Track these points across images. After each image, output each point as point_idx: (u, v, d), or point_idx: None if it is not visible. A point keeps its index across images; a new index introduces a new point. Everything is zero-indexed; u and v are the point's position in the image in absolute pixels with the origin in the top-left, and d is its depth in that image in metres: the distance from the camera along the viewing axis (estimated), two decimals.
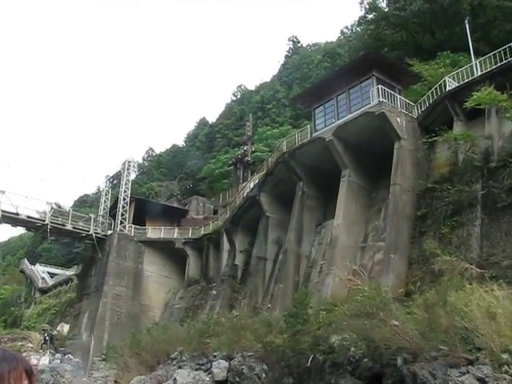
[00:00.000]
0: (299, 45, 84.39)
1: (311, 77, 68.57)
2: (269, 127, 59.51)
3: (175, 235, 39.64)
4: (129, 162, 41.51)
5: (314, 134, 30.66)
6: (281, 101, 64.39)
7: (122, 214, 40.15)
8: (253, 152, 47.28)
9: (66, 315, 53.67)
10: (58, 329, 44.11)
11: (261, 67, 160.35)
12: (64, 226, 38.56)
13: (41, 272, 70.57)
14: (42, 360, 29.67)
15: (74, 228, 38.95)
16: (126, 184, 40.82)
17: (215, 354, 24.28)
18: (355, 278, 24.80)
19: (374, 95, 27.88)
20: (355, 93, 30.07)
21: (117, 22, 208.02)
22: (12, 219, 37.21)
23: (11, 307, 65.91)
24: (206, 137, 77.52)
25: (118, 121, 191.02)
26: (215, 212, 44.54)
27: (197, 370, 23.79)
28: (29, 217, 37.62)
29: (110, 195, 43.63)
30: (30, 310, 64.19)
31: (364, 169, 28.70)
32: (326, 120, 31.27)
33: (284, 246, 31.34)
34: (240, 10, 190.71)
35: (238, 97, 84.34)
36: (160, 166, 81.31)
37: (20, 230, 68.67)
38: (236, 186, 44.73)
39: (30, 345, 45.54)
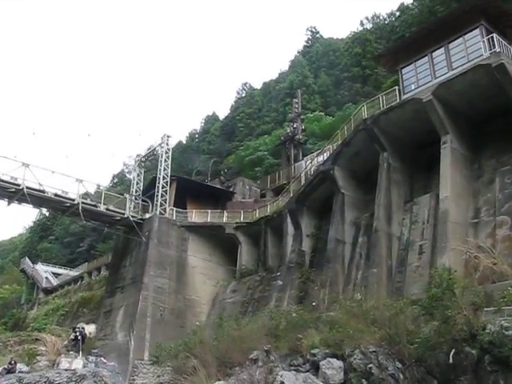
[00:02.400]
0: (318, 35, 79.96)
1: (340, 64, 64.28)
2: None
3: (224, 219, 34.22)
4: (168, 136, 36.12)
5: (404, 97, 26.23)
6: (311, 87, 59.66)
7: (162, 195, 34.69)
8: (303, 130, 42.21)
9: (78, 315, 48.46)
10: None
11: (272, 59, 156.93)
12: (96, 207, 32.97)
13: (43, 272, 64.64)
14: (74, 364, 23.75)
15: (107, 210, 33.35)
16: (165, 161, 35.39)
17: (314, 351, 19.26)
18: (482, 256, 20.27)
19: (485, 47, 23.58)
20: (456, 47, 25.92)
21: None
22: (36, 198, 31.58)
23: (11, 309, 59.75)
24: (220, 130, 72.89)
25: (119, 119, 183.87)
26: (262, 196, 39.24)
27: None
28: (56, 195, 32.02)
29: (142, 176, 38.12)
30: (34, 312, 58.34)
31: (464, 136, 24.53)
32: (418, 80, 27.08)
33: (374, 224, 26.43)
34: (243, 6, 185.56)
35: (247, 89, 79.81)
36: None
37: (12, 232, 62.72)
38: (286, 167, 39.60)
39: (44, 348, 39.75)
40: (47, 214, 79.98)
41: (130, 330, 30.77)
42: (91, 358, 27.21)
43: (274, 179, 39.88)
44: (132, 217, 33.81)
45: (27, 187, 30.73)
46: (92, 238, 74.39)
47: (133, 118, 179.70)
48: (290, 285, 29.38)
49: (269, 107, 65.33)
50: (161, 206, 34.43)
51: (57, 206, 32.73)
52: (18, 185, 30.73)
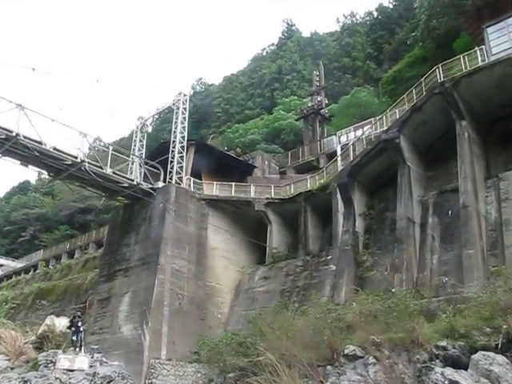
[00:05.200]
0: (294, 28, 76.25)
1: (328, 53, 60.75)
2: (295, 97, 50.51)
3: (252, 194, 28.90)
4: (184, 94, 30.45)
5: (492, 58, 22.81)
6: (301, 73, 55.59)
7: (178, 162, 28.92)
8: (327, 104, 37.66)
9: (36, 308, 41.91)
10: (47, 323, 31.19)
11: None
12: (102, 168, 26.78)
13: None
14: (77, 362, 17.52)
15: (114, 174, 27.19)
16: (182, 123, 29.69)
17: (441, 343, 14.82)
18: None
19: None
20: None
21: None
22: (30, 151, 25.05)
23: None
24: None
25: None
26: (282, 173, 34.26)
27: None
28: (56, 149, 25.60)
29: (144, 141, 32.17)
30: None
31: None
32: (511, 39, 23.31)
33: (460, 199, 22.53)
34: None
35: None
36: None
37: None
38: (310, 142, 34.89)
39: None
40: None
41: (143, 322, 24.77)
42: (96, 355, 21.00)
43: (295, 156, 34.99)
44: (139, 184, 27.78)
45: (22, 135, 24.24)
46: (35, 228, 66.41)
47: None
48: (347, 270, 24.59)
49: (251, 94, 60.68)
50: (177, 174, 28.62)
51: (54, 163, 26.15)
52: (11, 131, 24.21)
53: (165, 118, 56.10)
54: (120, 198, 29.46)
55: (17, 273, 53.32)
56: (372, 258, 24.80)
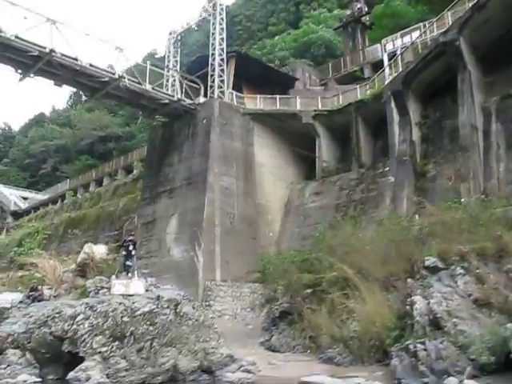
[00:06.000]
0: None
1: None
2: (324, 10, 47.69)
3: (298, 106, 27.29)
4: (220, 4, 28.28)
5: None
6: None
7: (219, 75, 27.17)
8: (367, 13, 35.21)
9: (68, 238, 41.28)
10: (86, 251, 30.40)
11: None
12: (141, 84, 25.13)
13: (9, 194, 55.59)
14: (132, 287, 16.24)
15: (154, 90, 25.57)
16: (220, 34, 27.70)
17: None
18: None
19: None
20: None
21: None
22: (65, 69, 23.42)
23: None
24: None
25: None
26: (323, 86, 32.41)
27: None
28: (92, 65, 23.91)
29: (178, 57, 30.28)
30: (3, 238, 49.64)
31: None
32: None
33: None
34: None
35: None
36: None
37: None
38: (352, 53, 32.83)
39: (38, 275, 32.30)
40: None
41: (194, 244, 23.90)
42: (149, 279, 20.02)
43: (336, 68, 33.00)
44: (181, 100, 26.20)
45: (56, 52, 22.53)
46: (55, 160, 65.28)
47: None
48: (407, 181, 23.36)
49: (272, 10, 57.67)
50: (218, 88, 26.94)
51: (90, 82, 24.50)
52: (44, 47, 22.44)
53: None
54: (158, 116, 27.94)
55: (44, 204, 52.43)
56: (433, 168, 23.57)
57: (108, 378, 12.22)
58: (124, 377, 12.36)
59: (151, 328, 13.17)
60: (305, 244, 24.04)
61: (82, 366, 12.25)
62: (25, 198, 57.33)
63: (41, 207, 52.15)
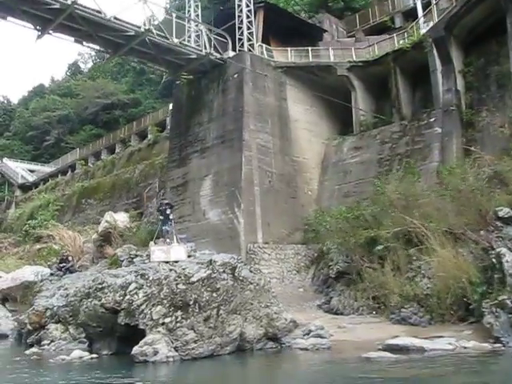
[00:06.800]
0: None
1: None
2: None
3: (331, 58, 25.90)
4: None
5: None
6: None
7: (248, 28, 25.71)
8: None
9: (82, 208, 40.79)
10: (107, 219, 29.42)
11: None
12: (167, 39, 23.66)
13: (15, 168, 54.27)
14: (173, 253, 15.11)
15: (181, 44, 24.11)
16: None
17: None
18: None
19: None
20: None
21: None
22: (87, 23, 21.88)
23: None
24: None
25: None
26: (351, 37, 30.96)
27: None
28: (117, 19, 22.39)
29: (200, 9, 28.67)
30: (13, 211, 48.52)
31: None
32: None
33: None
34: None
35: None
36: None
37: None
38: (380, 2, 31.30)
39: (56, 247, 31.44)
40: None
41: (233, 205, 22.80)
42: (188, 244, 18.80)
43: (364, 18, 31.48)
44: (210, 54, 24.76)
45: (78, 4, 21.02)
46: (59, 131, 63.64)
47: None
48: (455, 132, 22.23)
49: None
50: (248, 41, 25.50)
51: (113, 36, 23.00)
52: None
53: None
54: (183, 73, 26.51)
55: (53, 175, 51.22)
56: (482, 117, 22.44)
57: (176, 351, 11.20)
58: (193, 349, 11.32)
59: (214, 295, 12.09)
60: (347, 201, 23.07)
61: (148, 339, 11.21)
62: (31, 171, 56.01)
63: (50, 179, 50.99)
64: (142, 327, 11.62)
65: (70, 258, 22.74)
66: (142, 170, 37.82)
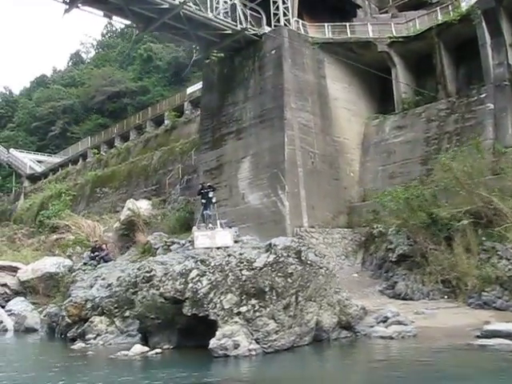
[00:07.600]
0: None
1: None
2: None
3: (370, 34, 24.77)
4: None
5: None
6: None
7: (283, 2, 24.51)
8: None
9: (97, 198, 39.42)
10: (129, 207, 28.26)
11: None
12: (203, 12, 22.43)
13: (23, 158, 52.96)
14: (218, 238, 14.01)
15: (216, 18, 22.89)
16: None
17: None
18: None
19: None
20: None
21: None
22: None
23: None
24: None
25: None
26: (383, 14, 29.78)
27: None
28: None
29: None
30: (22, 202, 47.20)
31: None
32: None
33: None
34: None
35: None
36: None
37: None
38: None
39: (72, 237, 30.28)
40: None
41: (277, 188, 21.68)
42: (234, 228, 17.64)
43: None
44: (245, 30, 23.56)
45: None
46: (64, 121, 62.32)
47: None
48: (510, 107, 21.14)
49: None
50: (284, 16, 24.31)
51: (146, 10, 21.75)
52: None
53: None
54: (214, 51, 25.32)
55: (63, 165, 49.89)
56: None
57: (258, 343, 10.17)
58: (275, 340, 10.27)
59: (290, 280, 11.01)
60: (393, 182, 22.04)
61: (225, 330, 10.17)
62: (39, 162, 54.67)
63: (60, 168, 49.59)
64: (212, 318, 10.58)
65: (103, 247, 21.56)
66: (161, 157, 36.60)
